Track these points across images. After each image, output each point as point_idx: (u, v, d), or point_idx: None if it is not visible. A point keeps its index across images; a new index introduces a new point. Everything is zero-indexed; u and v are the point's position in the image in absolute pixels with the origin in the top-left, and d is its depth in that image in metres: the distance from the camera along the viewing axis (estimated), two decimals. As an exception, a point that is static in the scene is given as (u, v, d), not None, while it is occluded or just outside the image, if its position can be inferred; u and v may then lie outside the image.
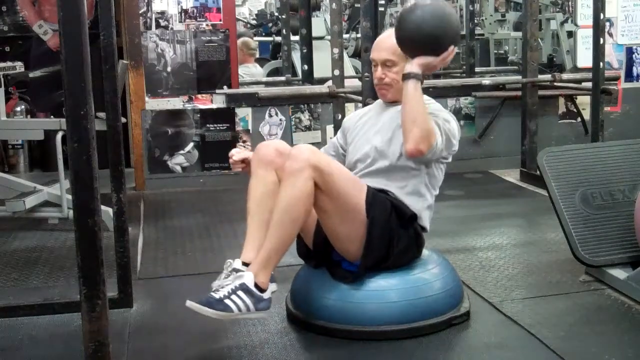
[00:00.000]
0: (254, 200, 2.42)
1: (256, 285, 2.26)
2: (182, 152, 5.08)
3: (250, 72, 6.47)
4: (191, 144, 5.09)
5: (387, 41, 2.54)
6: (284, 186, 2.29)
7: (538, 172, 3.24)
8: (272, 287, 2.32)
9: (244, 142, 5.15)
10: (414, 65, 2.40)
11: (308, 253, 2.56)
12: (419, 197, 2.53)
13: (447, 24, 2.42)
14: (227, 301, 2.21)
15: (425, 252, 2.60)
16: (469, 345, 2.41)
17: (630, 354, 2.28)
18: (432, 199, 2.58)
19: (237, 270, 2.31)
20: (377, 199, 2.41)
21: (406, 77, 2.40)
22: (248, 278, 2.25)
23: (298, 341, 2.43)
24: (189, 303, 2.21)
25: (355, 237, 2.39)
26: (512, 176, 5.21)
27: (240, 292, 2.23)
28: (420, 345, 2.36)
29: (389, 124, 2.56)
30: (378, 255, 2.41)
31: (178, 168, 5.09)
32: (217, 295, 2.23)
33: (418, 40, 2.41)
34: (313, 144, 5.24)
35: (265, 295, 2.28)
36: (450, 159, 2.58)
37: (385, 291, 2.42)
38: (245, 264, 2.33)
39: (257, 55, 6.85)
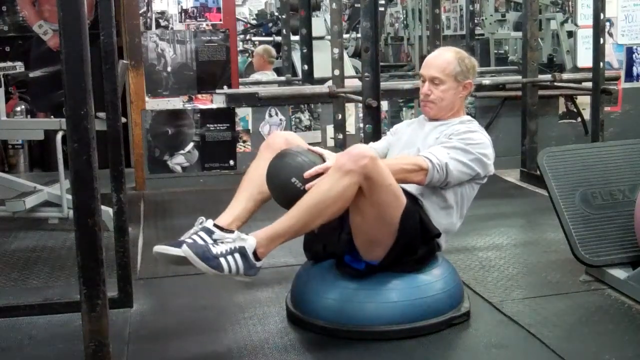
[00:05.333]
0: (250, 177, 2.48)
1: (254, 253, 2.23)
2: (182, 152, 5.08)
3: (268, 79, 6.43)
4: (191, 144, 5.09)
5: (438, 59, 2.60)
6: (329, 177, 2.25)
7: (538, 172, 3.24)
8: (262, 261, 2.28)
9: (244, 142, 5.15)
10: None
11: (309, 244, 2.57)
12: (447, 214, 2.53)
13: (277, 177, 2.35)
14: (221, 260, 2.19)
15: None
16: (469, 345, 2.41)
17: (630, 354, 2.28)
18: (457, 219, 2.58)
19: (207, 230, 2.29)
20: (411, 213, 2.38)
21: None
22: (250, 243, 2.23)
23: (298, 341, 2.42)
24: (186, 250, 2.15)
25: (379, 242, 2.39)
26: (512, 176, 5.21)
27: (237, 255, 2.21)
28: (420, 345, 2.36)
29: (423, 139, 2.58)
30: (395, 261, 2.42)
31: (178, 168, 5.10)
32: (214, 250, 2.20)
33: (280, 190, 2.37)
34: (313, 144, 5.27)
35: (258, 264, 2.25)
36: (484, 180, 2.59)
37: (385, 291, 2.42)
38: (217, 226, 2.31)
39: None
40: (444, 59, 2.58)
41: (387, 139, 2.82)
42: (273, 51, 6.72)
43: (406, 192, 2.42)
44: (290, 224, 2.26)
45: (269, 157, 2.44)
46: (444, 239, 2.56)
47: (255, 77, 6.41)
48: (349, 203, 2.27)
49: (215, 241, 2.25)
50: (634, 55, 5.72)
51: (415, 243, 2.42)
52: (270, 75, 6.53)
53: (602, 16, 4.44)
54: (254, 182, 2.46)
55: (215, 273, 2.19)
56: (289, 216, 2.26)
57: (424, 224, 2.43)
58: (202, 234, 2.28)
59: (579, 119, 5.64)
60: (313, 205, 2.24)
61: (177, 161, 5.09)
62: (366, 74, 3.26)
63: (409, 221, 2.37)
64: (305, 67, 5.62)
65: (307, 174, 2.29)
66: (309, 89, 5.22)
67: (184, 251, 2.16)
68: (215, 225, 2.32)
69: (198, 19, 5.01)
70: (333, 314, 2.42)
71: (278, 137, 2.56)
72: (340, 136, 4.29)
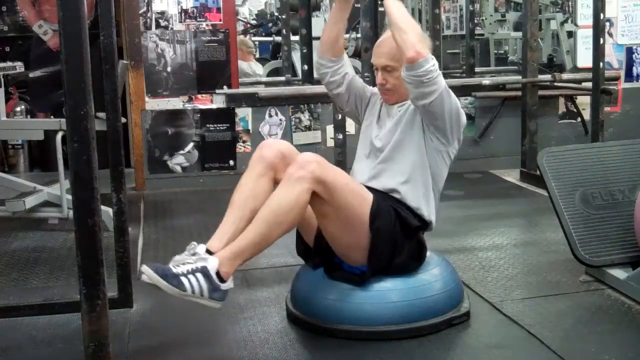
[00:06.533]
0: (241, 194, 2.36)
1: (217, 274, 2.17)
2: (182, 152, 5.08)
3: (252, 69, 6.69)
4: (191, 144, 5.09)
5: (385, 46, 2.51)
6: (281, 187, 2.26)
7: (538, 172, 3.24)
8: (230, 283, 2.22)
9: (244, 142, 5.15)
10: None
11: (308, 252, 2.55)
12: (424, 192, 2.50)
13: None
14: (182, 278, 2.13)
15: (425, 252, 2.60)
16: (469, 345, 2.41)
17: (630, 354, 2.28)
18: (436, 193, 2.55)
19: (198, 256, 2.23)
20: (382, 209, 2.38)
21: None
22: (212, 263, 2.17)
23: (298, 341, 2.43)
24: (144, 268, 2.12)
25: (356, 245, 2.38)
26: (512, 176, 5.21)
27: (198, 274, 2.15)
28: (420, 345, 2.36)
29: (394, 124, 2.55)
30: (381, 264, 2.41)
31: (178, 168, 5.09)
32: (175, 270, 2.14)
33: None
34: (313, 144, 5.28)
35: (224, 286, 2.18)
36: (455, 149, 2.54)
37: (385, 291, 2.42)
38: (209, 252, 2.25)
39: (257, 55, 7.04)
40: (392, 45, 2.43)
41: (368, 88, 2.74)
42: (249, 42, 6.98)
43: (377, 190, 2.42)
44: (250, 239, 2.22)
45: (261, 171, 2.38)
46: (434, 219, 2.54)
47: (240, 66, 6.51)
48: (305, 209, 2.26)
49: (177, 263, 2.19)
50: (633, 55, 5.72)
51: (397, 241, 2.40)
52: (254, 65, 6.76)
53: (602, 16, 4.44)
54: (245, 199, 2.34)
55: (178, 292, 2.13)
56: (247, 232, 2.22)
57: (401, 218, 2.42)
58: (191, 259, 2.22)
59: (579, 119, 5.65)
60: (269, 217, 2.22)
61: (177, 161, 5.09)
62: (366, 74, 3.25)
63: (381, 218, 2.36)
64: (305, 67, 5.62)
65: None
66: (309, 89, 5.22)
67: (144, 270, 2.13)
68: (208, 251, 2.25)
69: (198, 19, 5.01)
70: (333, 313, 2.42)
71: (271, 149, 2.43)
72: (340, 136, 4.28)
